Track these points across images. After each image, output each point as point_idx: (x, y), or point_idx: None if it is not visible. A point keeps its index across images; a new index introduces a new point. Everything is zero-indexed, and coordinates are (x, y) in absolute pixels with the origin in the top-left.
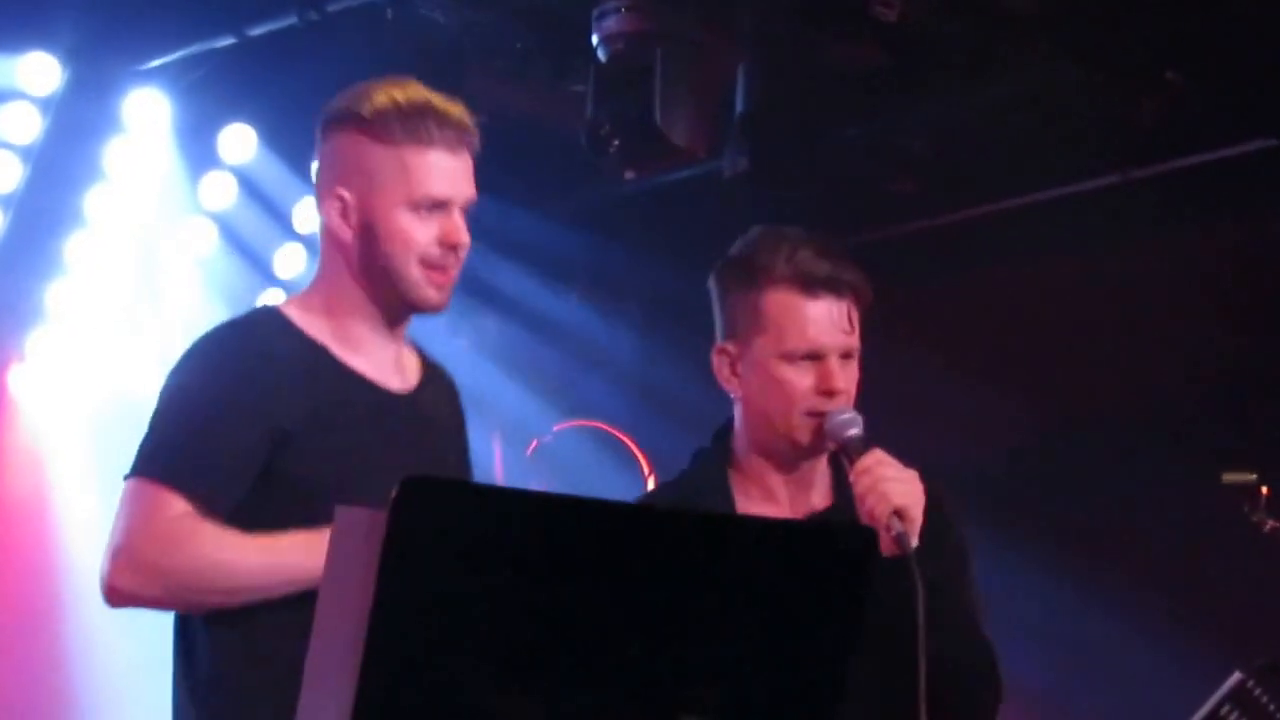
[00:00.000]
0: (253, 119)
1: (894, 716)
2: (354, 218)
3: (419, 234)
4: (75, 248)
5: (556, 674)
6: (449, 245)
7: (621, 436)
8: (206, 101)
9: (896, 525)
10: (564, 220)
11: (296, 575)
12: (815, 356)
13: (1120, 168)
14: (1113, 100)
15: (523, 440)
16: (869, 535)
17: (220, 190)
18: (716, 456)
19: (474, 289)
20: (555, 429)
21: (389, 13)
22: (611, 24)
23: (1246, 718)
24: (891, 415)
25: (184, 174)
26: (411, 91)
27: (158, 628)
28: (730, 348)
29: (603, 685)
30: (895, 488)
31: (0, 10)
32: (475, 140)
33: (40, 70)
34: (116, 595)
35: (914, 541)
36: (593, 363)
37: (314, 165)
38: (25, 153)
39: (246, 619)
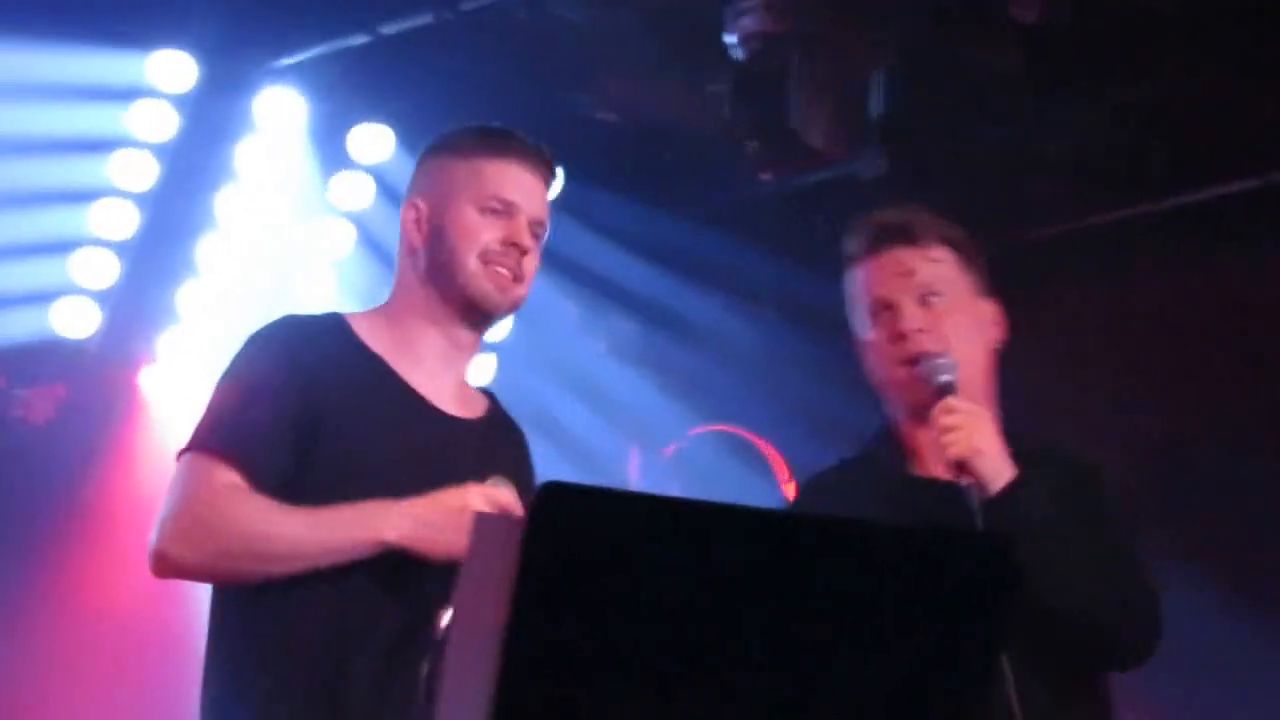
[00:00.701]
0: (386, 118)
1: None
2: (426, 224)
3: (482, 231)
4: (207, 248)
5: (693, 683)
6: (509, 244)
7: (758, 441)
8: (339, 100)
9: (963, 479)
10: (700, 221)
11: (340, 546)
12: (886, 307)
13: (1262, 171)
14: (1256, 102)
15: (659, 445)
16: (1001, 545)
17: (353, 190)
18: (882, 431)
19: (609, 291)
20: (691, 433)
21: (521, 13)
22: (747, 24)
23: None
24: (1026, 419)
25: (317, 173)
26: (499, 128)
27: None
28: (856, 338)
29: (739, 694)
30: (958, 437)
31: (135, 8)
32: (552, 177)
33: (176, 68)
34: (162, 562)
35: (989, 488)
36: (729, 366)
37: None
38: (160, 151)
39: (285, 592)
